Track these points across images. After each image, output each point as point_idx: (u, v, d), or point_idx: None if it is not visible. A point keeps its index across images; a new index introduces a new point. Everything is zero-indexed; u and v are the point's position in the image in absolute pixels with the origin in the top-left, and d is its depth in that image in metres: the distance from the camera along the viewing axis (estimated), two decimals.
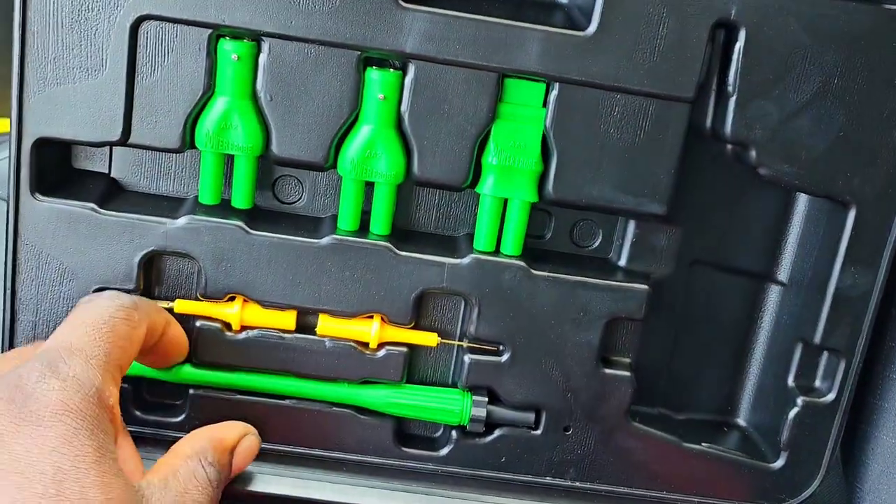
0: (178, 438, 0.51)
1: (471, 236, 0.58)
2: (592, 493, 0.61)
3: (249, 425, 0.54)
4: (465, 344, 0.59)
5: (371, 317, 0.57)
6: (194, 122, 0.54)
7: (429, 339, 0.58)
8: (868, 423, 0.62)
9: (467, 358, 0.59)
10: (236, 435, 0.53)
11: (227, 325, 0.57)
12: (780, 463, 0.61)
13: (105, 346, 0.47)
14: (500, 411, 0.59)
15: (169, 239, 0.55)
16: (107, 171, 0.58)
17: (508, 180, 0.56)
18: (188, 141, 0.55)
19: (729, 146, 0.56)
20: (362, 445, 0.60)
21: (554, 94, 0.54)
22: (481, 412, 0.59)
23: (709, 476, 0.62)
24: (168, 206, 0.57)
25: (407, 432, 0.62)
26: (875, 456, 0.61)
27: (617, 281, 0.58)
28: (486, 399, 0.59)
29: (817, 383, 0.61)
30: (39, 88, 0.53)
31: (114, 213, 0.55)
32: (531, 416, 0.60)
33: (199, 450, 0.50)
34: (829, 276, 0.58)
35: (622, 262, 0.59)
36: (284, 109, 0.54)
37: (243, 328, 0.57)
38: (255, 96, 0.54)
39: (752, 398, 0.65)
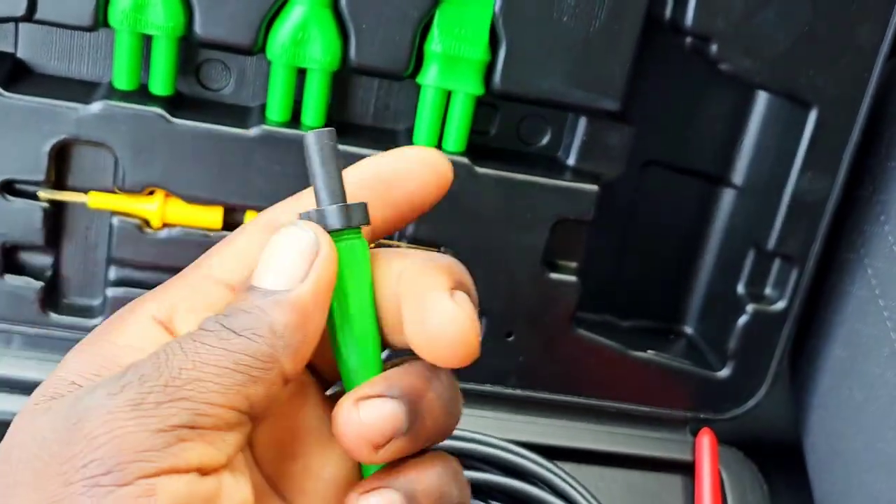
0: None
1: (411, 130, 0.54)
2: (535, 401, 0.59)
3: None
4: (403, 245, 0.56)
5: None
6: None
7: None
8: (818, 336, 0.61)
9: None
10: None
11: (147, 223, 0.53)
12: (726, 372, 0.60)
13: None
14: None
15: (82, 126, 0.51)
16: (13, 51, 0.53)
17: (453, 70, 0.52)
18: (101, 18, 0.50)
19: (689, 39, 0.53)
20: None
21: None
22: None
23: (653, 384, 0.60)
24: (81, 90, 0.52)
25: None
26: (825, 370, 0.59)
27: (565, 181, 0.55)
28: None
29: (768, 291, 0.59)
30: None
31: (20, 96, 0.50)
32: None
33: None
34: (785, 180, 0.56)
35: (571, 162, 0.56)
36: None
37: (165, 226, 0.53)
38: None
39: (701, 305, 0.63)
